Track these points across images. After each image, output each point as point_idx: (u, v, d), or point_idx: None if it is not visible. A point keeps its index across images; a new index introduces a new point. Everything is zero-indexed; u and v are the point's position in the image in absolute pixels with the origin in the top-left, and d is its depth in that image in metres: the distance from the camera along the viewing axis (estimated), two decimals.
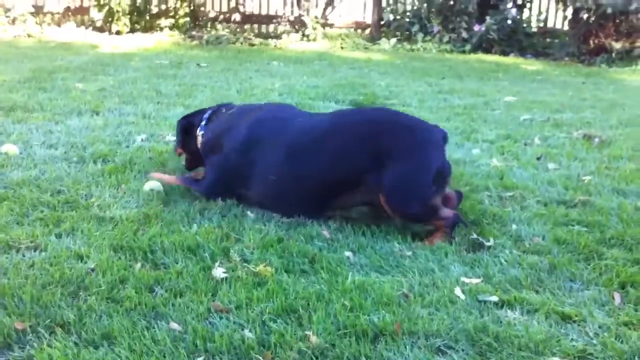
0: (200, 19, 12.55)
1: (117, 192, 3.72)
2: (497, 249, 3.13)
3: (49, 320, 2.38)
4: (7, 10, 11.40)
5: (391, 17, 12.61)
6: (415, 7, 12.62)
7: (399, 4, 12.81)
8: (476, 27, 11.50)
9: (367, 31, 12.98)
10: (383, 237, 3.25)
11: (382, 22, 12.75)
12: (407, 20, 12.50)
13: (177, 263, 2.88)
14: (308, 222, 3.41)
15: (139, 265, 2.85)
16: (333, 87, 7.31)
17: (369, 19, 13.13)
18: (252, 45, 11.54)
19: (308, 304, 2.56)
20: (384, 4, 12.80)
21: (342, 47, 11.68)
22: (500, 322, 2.48)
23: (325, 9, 12.81)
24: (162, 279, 2.73)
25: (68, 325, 2.36)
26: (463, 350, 2.31)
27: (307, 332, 2.36)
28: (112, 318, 2.41)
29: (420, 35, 11.94)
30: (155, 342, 2.27)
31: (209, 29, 12.44)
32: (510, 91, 7.58)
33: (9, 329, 2.32)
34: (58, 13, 12.17)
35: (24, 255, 2.90)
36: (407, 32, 12.27)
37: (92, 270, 2.76)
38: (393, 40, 12.00)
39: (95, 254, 2.92)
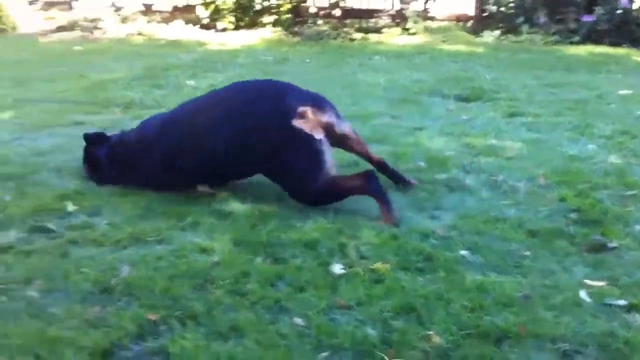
0: (302, 14, 12.68)
1: (232, 186, 3.83)
2: (622, 250, 3.02)
3: (180, 311, 2.49)
4: (119, 9, 11.91)
5: (494, 8, 12.31)
6: None
7: None
8: (585, 18, 11.06)
9: (469, 24, 12.75)
10: (499, 236, 3.19)
11: (484, 14, 12.47)
12: (511, 11, 12.18)
13: (295, 258, 2.94)
14: (420, 219, 3.41)
15: (259, 259, 2.93)
16: (438, 82, 7.23)
17: (470, 11, 12.89)
18: (353, 40, 11.56)
19: (427, 303, 2.56)
20: None
21: (443, 41, 11.51)
22: (630, 327, 2.40)
23: (426, 2, 12.65)
24: (282, 273, 2.80)
25: (198, 317, 2.46)
26: (592, 356, 2.25)
27: (428, 332, 2.36)
28: (238, 311, 2.50)
29: (525, 27, 11.59)
30: (281, 336, 2.33)
31: (310, 24, 12.56)
32: (624, 84, 7.25)
33: (142, 319, 2.44)
34: (166, 12, 12.61)
35: (151, 248, 3.04)
36: (511, 24, 11.94)
37: (217, 263, 2.86)
38: (496, 33, 11.70)
39: (218, 247, 3.02)
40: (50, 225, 3.27)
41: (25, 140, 4.73)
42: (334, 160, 3.54)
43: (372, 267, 2.84)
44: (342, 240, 3.11)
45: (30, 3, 13.43)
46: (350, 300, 2.58)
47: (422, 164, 4.27)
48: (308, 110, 3.47)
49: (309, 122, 3.46)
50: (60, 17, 12.68)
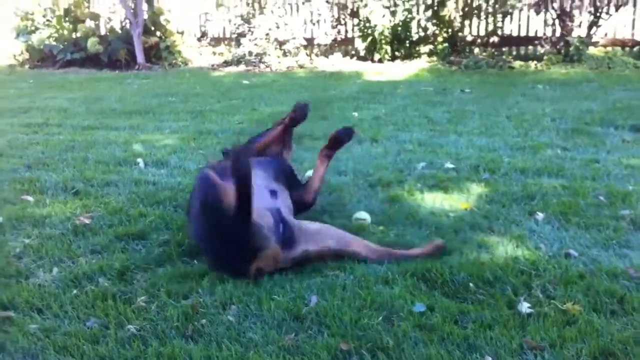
0: (459, 43, 12.63)
1: (406, 220, 3.86)
2: None
3: (370, 343, 2.53)
4: (281, 43, 12.44)
5: None
6: None
7: None
8: None
9: (636, 49, 12.12)
10: None
11: None
12: None
13: (477, 295, 2.91)
14: (606, 257, 3.27)
15: (441, 294, 2.92)
16: (609, 111, 6.93)
17: (638, 36, 12.27)
18: (512, 68, 11.34)
19: (626, 348, 2.45)
20: None
21: (609, 67, 11.01)
22: None
23: (589, 28, 12.18)
24: (466, 310, 2.77)
25: (388, 350, 2.49)
26: None
27: None
28: (428, 346, 2.50)
29: None
30: None
31: (466, 53, 12.48)
32: None
33: (335, 349, 2.50)
34: (325, 45, 13.03)
35: (334, 278, 3.11)
36: None
37: (399, 296, 2.88)
38: None
39: (399, 280, 3.05)
40: None
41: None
42: None
43: (562, 307, 2.75)
44: (525, 278, 3.04)
45: (199, 39, 14.38)
46: (542, 342, 2.52)
47: (602, 198, 4.10)
48: None
49: None
50: (226, 51, 13.46)
